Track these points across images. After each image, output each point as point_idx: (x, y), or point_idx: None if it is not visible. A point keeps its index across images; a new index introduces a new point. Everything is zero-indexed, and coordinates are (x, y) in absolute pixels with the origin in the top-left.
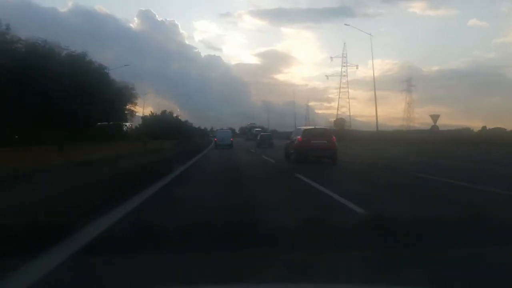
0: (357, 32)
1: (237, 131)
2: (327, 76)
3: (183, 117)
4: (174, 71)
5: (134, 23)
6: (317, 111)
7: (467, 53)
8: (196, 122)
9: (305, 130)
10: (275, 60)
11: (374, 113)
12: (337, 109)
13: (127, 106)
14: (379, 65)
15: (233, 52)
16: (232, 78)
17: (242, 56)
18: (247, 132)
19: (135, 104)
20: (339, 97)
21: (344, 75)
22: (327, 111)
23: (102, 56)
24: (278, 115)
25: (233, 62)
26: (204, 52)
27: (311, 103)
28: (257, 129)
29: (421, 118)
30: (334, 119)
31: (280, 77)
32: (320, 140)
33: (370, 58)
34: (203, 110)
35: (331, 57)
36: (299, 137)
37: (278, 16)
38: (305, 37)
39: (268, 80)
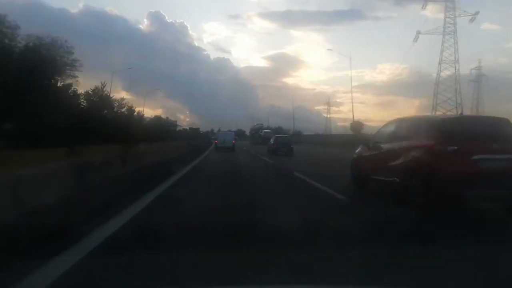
0: (366, 35)
1: (247, 133)
2: (417, 33)
3: (192, 120)
4: (183, 73)
5: (144, 25)
6: (325, 115)
7: (478, 58)
8: (204, 124)
9: (447, 121)
10: (284, 63)
11: (384, 118)
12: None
13: (58, 81)
14: (389, 69)
15: (242, 55)
16: (241, 81)
17: (251, 59)
18: (254, 134)
19: (76, 78)
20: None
21: (450, 25)
22: (335, 115)
23: (111, 56)
24: (285, 119)
25: (242, 64)
26: (213, 54)
27: (318, 107)
28: (266, 130)
29: None
30: (351, 122)
31: (289, 80)
32: (500, 152)
33: (380, 62)
34: (212, 112)
35: None
36: (429, 141)
37: (287, 18)
38: (314, 40)
39: (277, 84)
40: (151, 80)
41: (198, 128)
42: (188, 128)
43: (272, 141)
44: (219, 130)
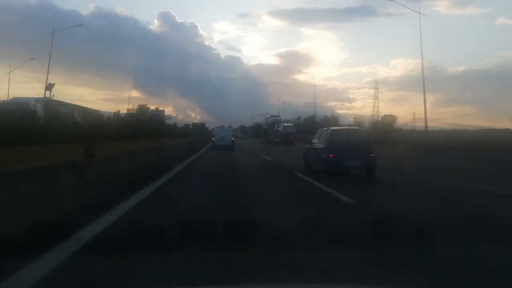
0: (378, 32)
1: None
2: None
3: (202, 117)
4: (195, 72)
5: (155, 25)
6: (338, 111)
7: (494, 53)
8: (215, 122)
9: None
10: (295, 60)
11: (398, 114)
12: None
13: None
14: (402, 65)
15: (252, 53)
16: (252, 79)
17: (262, 57)
18: (266, 130)
19: None
20: None
21: None
22: (348, 111)
23: (123, 57)
24: (298, 115)
25: (253, 62)
26: (224, 53)
27: (331, 103)
28: (286, 124)
29: (445, 119)
30: (382, 116)
31: (300, 77)
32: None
33: (393, 58)
34: (223, 110)
35: None
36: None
37: (298, 16)
38: (325, 37)
39: (288, 81)
40: (162, 79)
41: (204, 124)
42: (191, 124)
43: (322, 141)
44: (229, 126)
